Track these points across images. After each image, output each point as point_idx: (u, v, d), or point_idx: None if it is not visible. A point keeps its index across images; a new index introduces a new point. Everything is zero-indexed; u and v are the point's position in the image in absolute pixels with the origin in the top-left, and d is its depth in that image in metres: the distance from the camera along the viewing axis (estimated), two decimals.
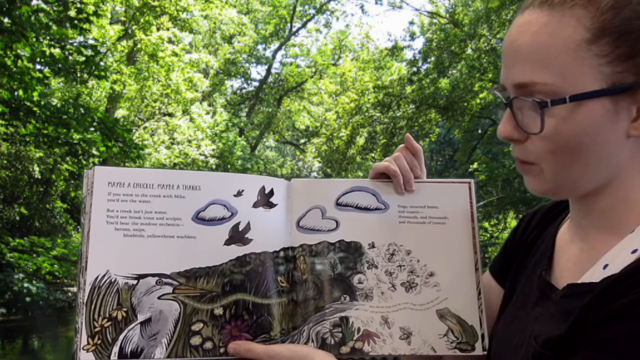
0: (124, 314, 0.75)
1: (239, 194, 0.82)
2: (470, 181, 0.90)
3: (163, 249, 0.77)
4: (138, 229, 0.77)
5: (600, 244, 0.66)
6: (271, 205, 0.84)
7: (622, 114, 0.61)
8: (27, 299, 10.37)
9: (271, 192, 0.84)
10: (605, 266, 0.62)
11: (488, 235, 14.53)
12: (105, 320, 0.74)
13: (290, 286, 0.82)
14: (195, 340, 0.76)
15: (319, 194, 0.87)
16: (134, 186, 0.79)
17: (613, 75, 0.60)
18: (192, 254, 0.78)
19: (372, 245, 0.86)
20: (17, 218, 13.97)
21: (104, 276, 0.75)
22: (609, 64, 0.60)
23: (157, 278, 0.76)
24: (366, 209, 0.88)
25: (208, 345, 0.76)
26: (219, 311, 0.77)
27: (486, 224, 13.87)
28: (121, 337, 0.74)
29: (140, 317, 0.75)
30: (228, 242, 0.80)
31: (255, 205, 0.82)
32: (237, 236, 0.80)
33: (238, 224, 0.81)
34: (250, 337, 0.77)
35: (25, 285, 10.22)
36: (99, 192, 0.78)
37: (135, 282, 0.76)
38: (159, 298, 0.76)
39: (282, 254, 0.82)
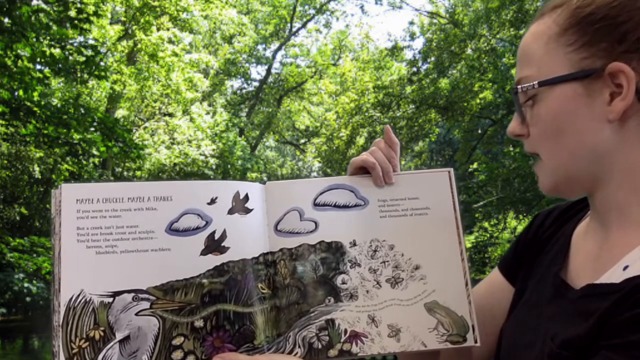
0: (102, 334, 0.73)
1: (212, 201, 0.79)
2: (450, 169, 0.88)
3: (137, 264, 0.75)
4: (110, 245, 0.75)
5: (622, 243, 0.65)
6: (247, 211, 0.81)
7: (597, 98, 0.64)
8: (27, 299, 10.39)
9: (246, 197, 0.82)
10: (626, 267, 0.61)
11: (488, 235, 14.49)
12: (83, 341, 0.72)
13: (272, 292, 0.80)
14: (177, 355, 0.74)
15: (296, 195, 0.85)
16: (103, 201, 0.77)
17: (581, 62, 0.65)
18: (167, 266, 0.76)
19: (354, 244, 0.84)
20: (17, 218, 14.00)
21: (78, 296, 0.73)
22: (575, 52, 0.66)
23: (133, 294, 0.75)
24: (345, 206, 0.86)
25: (190, 359, 0.75)
26: (199, 323, 0.75)
27: (486, 224, 13.85)
28: (100, 357, 0.72)
29: (119, 335, 0.73)
30: (204, 252, 0.78)
31: (230, 212, 0.80)
32: (213, 245, 0.78)
33: (213, 232, 0.78)
34: (233, 347, 0.75)
35: (26, 285, 10.24)
36: (68, 210, 0.75)
37: (111, 299, 0.74)
38: (136, 314, 0.74)
39: (261, 259, 0.80)
